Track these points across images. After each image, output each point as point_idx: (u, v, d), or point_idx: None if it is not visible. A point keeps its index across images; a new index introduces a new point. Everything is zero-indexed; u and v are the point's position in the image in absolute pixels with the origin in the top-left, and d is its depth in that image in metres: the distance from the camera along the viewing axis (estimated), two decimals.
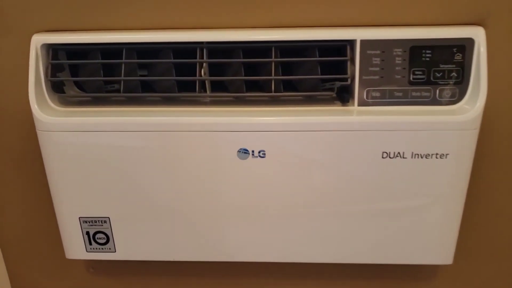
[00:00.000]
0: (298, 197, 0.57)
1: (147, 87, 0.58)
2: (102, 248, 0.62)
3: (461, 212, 0.57)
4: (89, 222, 0.60)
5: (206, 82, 0.56)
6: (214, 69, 0.56)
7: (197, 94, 0.56)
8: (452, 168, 0.54)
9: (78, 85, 0.60)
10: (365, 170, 0.55)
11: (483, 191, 0.62)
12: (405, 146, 0.54)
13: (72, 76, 0.59)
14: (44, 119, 0.55)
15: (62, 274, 0.73)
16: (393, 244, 0.59)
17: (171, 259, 0.62)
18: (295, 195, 0.57)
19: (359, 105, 0.55)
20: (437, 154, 0.54)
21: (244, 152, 0.55)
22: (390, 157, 0.54)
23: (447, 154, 0.54)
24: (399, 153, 0.54)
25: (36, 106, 0.55)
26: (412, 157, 0.54)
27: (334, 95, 0.56)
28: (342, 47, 0.54)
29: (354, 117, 0.54)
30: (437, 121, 0.53)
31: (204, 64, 0.56)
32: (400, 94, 0.54)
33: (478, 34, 0.52)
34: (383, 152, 0.54)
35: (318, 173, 0.55)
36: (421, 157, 0.54)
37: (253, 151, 0.55)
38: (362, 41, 0.53)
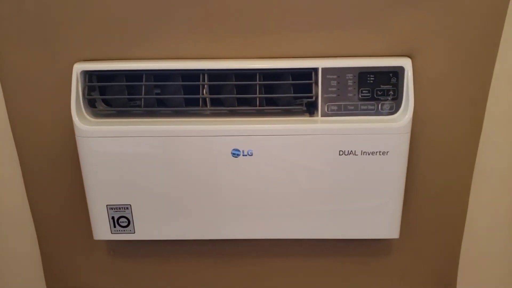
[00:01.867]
0: (278, 185, 0.74)
1: (161, 103, 0.76)
2: (124, 230, 0.78)
3: (402, 196, 0.75)
4: (115, 209, 0.77)
5: (207, 99, 0.74)
6: (213, 90, 0.74)
7: (200, 108, 0.73)
8: (392, 162, 0.72)
9: (106, 102, 0.77)
10: (326, 164, 0.73)
11: (418, 179, 0.80)
12: (356, 146, 0.72)
13: (101, 95, 0.76)
14: (82, 127, 0.72)
15: (87, 256, 0.88)
16: (351, 223, 0.77)
17: (178, 238, 0.79)
18: (275, 184, 0.74)
19: (322, 116, 0.73)
20: (380, 151, 0.72)
21: (236, 152, 0.72)
22: (345, 154, 0.72)
23: (387, 152, 0.72)
24: (351, 151, 0.72)
25: (76, 117, 0.72)
26: (361, 154, 0.72)
27: (304, 108, 0.74)
28: (308, 74, 0.73)
29: (318, 124, 0.72)
30: (379, 127, 0.71)
31: (206, 86, 0.73)
32: (352, 107, 0.73)
33: (406, 63, 0.71)
34: (340, 151, 0.72)
35: (292, 166, 0.73)
36: (369, 154, 0.72)
37: (243, 151, 0.72)
38: (323, 69, 0.72)
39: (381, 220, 0.77)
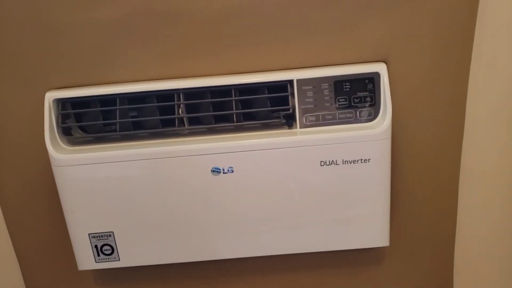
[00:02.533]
0: (262, 200, 0.73)
1: (137, 126, 0.74)
2: (108, 258, 0.76)
3: (389, 203, 0.74)
4: (97, 237, 0.75)
5: (184, 118, 0.73)
6: (189, 109, 0.73)
7: (177, 128, 0.72)
8: (375, 169, 0.71)
9: (82, 129, 0.76)
10: (309, 176, 0.72)
11: (404, 185, 0.79)
12: (337, 155, 0.71)
13: (76, 122, 0.75)
14: (58, 156, 0.71)
15: (74, 284, 0.86)
16: (339, 234, 0.75)
17: (165, 262, 0.77)
18: (258, 199, 0.73)
19: (300, 127, 0.72)
20: (361, 159, 0.71)
21: (216, 169, 0.71)
22: (326, 165, 0.71)
23: (369, 159, 0.71)
24: (333, 161, 0.71)
25: (51, 147, 0.71)
26: (343, 163, 0.71)
27: (283, 121, 0.73)
28: (284, 86, 0.72)
29: (298, 136, 0.71)
30: (359, 135, 0.70)
31: (182, 105, 0.72)
32: (330, 116, 0.72)
33: (381, 69, 0.71)
34: (321, 161, 0.71)
35: (274, 181, 0.72)
36: (350, 163, 0.71)
37: (223, 169, 0.71)
38: (298, 80, 0.71)
39: (370, 228, 0.75)
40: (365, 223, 0.75)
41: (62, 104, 0.72)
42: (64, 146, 0.73)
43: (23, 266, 0.85)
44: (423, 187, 0.80)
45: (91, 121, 0.74)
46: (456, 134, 0.78)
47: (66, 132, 0.73)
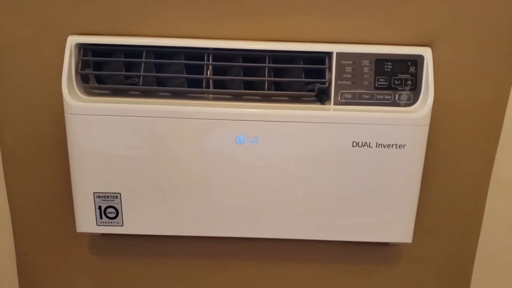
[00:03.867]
0: (284, 177, 0.68)
1: (160, 85, 0.70)
2: (111, 222, 0.71)
3: (417, 195, 0.69)
4: (102, 197, 0.69)
5: (210, 81, 0.68)
6: (217, 72, 0.68)
7: (202, 90, 0.67)
8: (409, 156, 0.67)
9: (101, 81, 0.71)
10: (338, 156, 0.67)
11: (432, 182, 0.75)
12: (371, 137, 0.66)
13: (96, 74, 0.70)
14: (73, 103, 0.65)
15: (66, 253, 0.80)
16: (361, 223, 0.70)
17: (171, 234, 0.71)
18: (281, 175, 0.68)
19: (334, 104, 0.68)
20: (396, 144, 0.66)
21: (241, 138, 0.66)
22: (359, 146, 0.67)
23: (404, 145, 0.66)
24: (366, 142, 0.66)
25: (67, 93, 0.66)
26: (376, 147, 0.67)
27: (314, 95, 0.68)
28: (322, 58, 0.68)
29: (331, 111, 0.66)
30: (396, 117, 0.66)
31: (210, 67, 0.68)
32: (368, 96, 0.68)
33: (426, 52, 0.67)
34: (353, 142, 0.66)
35: (300, 157, 0.67)
36: (384, 147, 0.66)
37: (248, 138, 0.66)
38: (337, 54, 0.67)
39: (395, 221, 0.70)
40: (390, 215, 0.70)
41: (84, 50, 0.68)
42: (80, 94, 0.67)
43: (16, 225, 0.79)
44: (451, 187, 0.76)
45: (112, 73, 0.69)
46: (492, 135, 0.73)
47: (83, 81, 0.68)
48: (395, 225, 0.71)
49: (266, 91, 0.67)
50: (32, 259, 0.80)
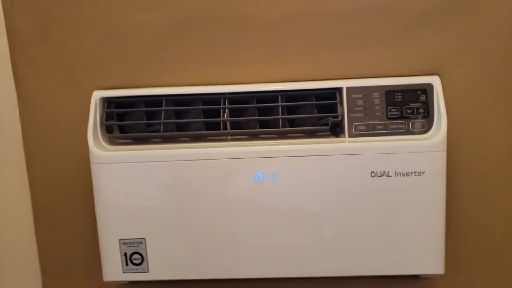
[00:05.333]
0: (305, 211, 0.68)
1: (180, 131, 0.73)
2: (137, 269, 0.71)
3: (444, 222, 0.68)
4: (128, 244, 0.70)
5: (228, 123, 0.71)
6: (234, 115, 0.71)
7: (220, 131, 0.70)
8: (430, 183, 0.66)
9: (124, 132, 0.74)
10: (358, 187, 0.67)
11: (461, 205, 0.73)
12: (389, 166, 0.66)
13: (119, 125, 0.74)
14: (98, 153, 0.69)
15: None
16: (387, 256, 0.68)
17: (197, 277, 0.71)
18: (302, 210, 0.68)
19: (349, 136, 0.69)
20: (415, 172, 0.66)
21: (259, 175, 0.68)
22: (377, 176, 0.67)
23: (423, 172, 0.66)
24: (384, 172, 0.67)
25: (93, 144, 0.69)
26: (395, 175, 0.67)
27: (329, 130, 0.70)
28: (333, 94, 0.70)
29: (347, 143, 0.68)
30: (412, 145, 0.66)
31: (226, 110, 0.71)
32: (381, 127, 0.69)
33: (435, 81, 0.69)
34: (372, 172, 0.67)
35: (320, 191, 0.67)
36: (403, 175, 0.66)
37: (266, 174, 0.68)
38: (347, 88, 0.69)
39: (423, 252, 0.68)
40: (418, 245, 0.68)
41: (107, 103, 0.72)
42: (105, 144, 0.71)
43: (45, 275, 0.80)
44: (481, 212, 0.74)
45: (134, 123, 0.73)
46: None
47: (108, 131, 0.72)
48: (425, 255, 0.69)
49: (281, 129, 0.69)
50: None
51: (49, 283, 0.80)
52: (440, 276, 0.72)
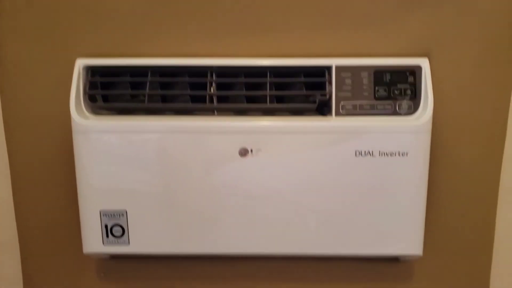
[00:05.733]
0: (288, 188, 0.68)
1: (165, 103, 0.71)
2: (118, 241, 0.70)
3: (425, 204, 0.68)
4: (108, 215, 0.69)
5: (214, 97, 0.70)
6: (221, 89, 0.70)
7: (206, 105, 0.69)
8: (413, 163, 0.67)
9: (108, 102, 0.73)
10: (342, 165, 0.67)
11: (439, 193, 0.74)
12: (373, 146, 0.66)
13: (103, 94, 0.72)
14: (80, 121, 0.67)
15: (74, 277, 0.79)
16: (367, 235, 0.69)
17: (179, 251, 0.70)
18: (285, 187, 0.68)
19: (336, 116, 0.69)
20: (399, 152, 0.67)
21: (244, 151, 0.67)
22: (362, 155, 0.67)
23: (407, 153, 0.67)
24: (369, 151, 0.67)
25: (75, 112, 0.68)
26: (379, 155, 0.67)
27: (316, 108, 0.69)
28: (321, 72, 0.70)
29: (333, 122, 0.67)
30: (397, 125, 0.67)
31: (213, 84, 0.70)
32: (368, 106, 0.69)
33: (423, 62, 0.68)
34: (356, 151, 0.67)
35: (303, 169, 0.67)
36: (387, 155, 0.67)
37: (251, 150, 0.67)
38: (337, 67, 0.69)
39: (402, 232, 0.69)
40: (398, 226, 0.69)
41: (91, 72, 0.70)
42: (88, 114, 0.70)
43: (23, 246, 0.79)
44: (460, 196, 0.75)
45: (118, 93, 0.71)
46: (497, 140, 0.73)
47: (92, 101, 0.70)
48: (404, 236, 0.70)
49: (268, 105, 0.69)
50: (39, 283, 0.79)
51: (28, 255, 0.79)
52: (418, 258, 0.73)
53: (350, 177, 0.67)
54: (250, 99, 0.71)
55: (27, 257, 0.79)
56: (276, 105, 0.69)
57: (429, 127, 0.67)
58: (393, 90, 0.69)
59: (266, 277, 0.79)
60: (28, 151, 0.75)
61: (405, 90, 0.69)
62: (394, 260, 0.77)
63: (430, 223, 0.73)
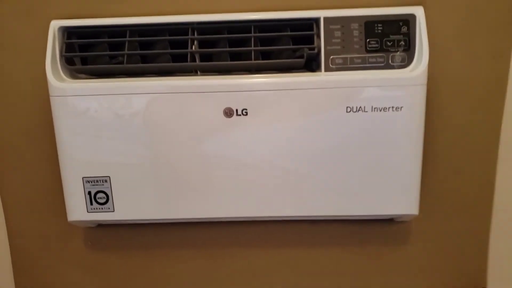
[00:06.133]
0: (277, 148, 0.65)
1: (146, 63, 0.68)
2: (102, 208, 0.68)
3: (420, 161, 0.65)
4: (92, 182, 0.67)
5: (196, 55, 0.66)
6: (203, 47, 0.67)
7: (188, 64, 0.66)
8: (407, 119, 0.63)
9: (86, 65, 0.70)
10: (332, 123, 0.64)
11: (436, 149, 0.71)
12: (366, 101, 0.63)
13: (81, 57, 0.69)
14: (57, 85, 0.64)
15: (61, 247, 0.77)
16: (361, 195, 0.66)
17: (164, 217, 0.68)
18: (273, 147, 0.65)
19: (325, 70, 0.65)
20: (393, 107, 0.63)
21: (229, 110, 0.64)
22: (353, 111, 0.63)
23: (401, 107, 0.63)
24: (361, 107, 0.63)
25: (51, 75, 0.65)
26: (372, 111, 0.63)
27: (304, 64, 0.66)
28: (309, 25, 0.66)
29: (322, 77, 0.64)
30: (390, 78, 0.63)
31: (195, 42, 0.66)
32: (359, 60, 0.65)
33: (418, 11, 0.64)
34: (347, 107, 0.63)
35: (293, 127, 0.64)
36: (380, 111, 0.63)
37: (237, 110, 0.64)
38: (325, 18, 0.65)
39: (398, 191, 0.66)
40: (393, 184, 0.66)
41: (68, 34, 0.67)
42: (65, 77, 0.66)
43: (8, 215, 0.77)
44: (457, 153, 0.71)
45: (96, 54, 0.68)
46: (497, 92, 0.69)
47: (70, 64, 0.67)
48: (399, 195, 0.66)
49: (253, 61, 0.65)
50: (26, 252, 0.78)
51: (14, 227, 0.77)
52: (414, 218, 0.70)
53: (341, 135, 0.64)
54: (234, 57, 0.67)
55: (13, 227, 0.77)
56: (262, 62, 0.66)
57: (424, 79, 0.63)
58: (385, 41, 0.65)
59: (257, 241, 0.76)
60: (5, 118, 0.72)
61: (398, 41, 0.64)
62: (388, 221, 0.74)
63: (426, 181, 0.70)
